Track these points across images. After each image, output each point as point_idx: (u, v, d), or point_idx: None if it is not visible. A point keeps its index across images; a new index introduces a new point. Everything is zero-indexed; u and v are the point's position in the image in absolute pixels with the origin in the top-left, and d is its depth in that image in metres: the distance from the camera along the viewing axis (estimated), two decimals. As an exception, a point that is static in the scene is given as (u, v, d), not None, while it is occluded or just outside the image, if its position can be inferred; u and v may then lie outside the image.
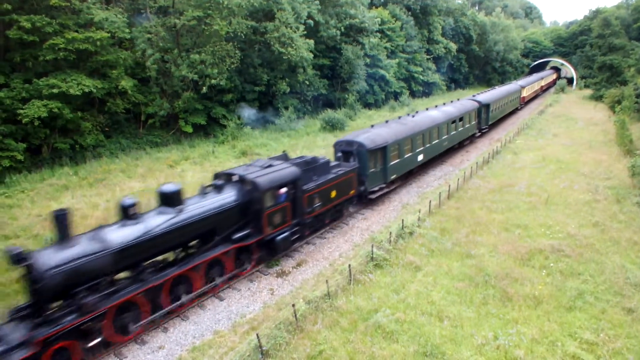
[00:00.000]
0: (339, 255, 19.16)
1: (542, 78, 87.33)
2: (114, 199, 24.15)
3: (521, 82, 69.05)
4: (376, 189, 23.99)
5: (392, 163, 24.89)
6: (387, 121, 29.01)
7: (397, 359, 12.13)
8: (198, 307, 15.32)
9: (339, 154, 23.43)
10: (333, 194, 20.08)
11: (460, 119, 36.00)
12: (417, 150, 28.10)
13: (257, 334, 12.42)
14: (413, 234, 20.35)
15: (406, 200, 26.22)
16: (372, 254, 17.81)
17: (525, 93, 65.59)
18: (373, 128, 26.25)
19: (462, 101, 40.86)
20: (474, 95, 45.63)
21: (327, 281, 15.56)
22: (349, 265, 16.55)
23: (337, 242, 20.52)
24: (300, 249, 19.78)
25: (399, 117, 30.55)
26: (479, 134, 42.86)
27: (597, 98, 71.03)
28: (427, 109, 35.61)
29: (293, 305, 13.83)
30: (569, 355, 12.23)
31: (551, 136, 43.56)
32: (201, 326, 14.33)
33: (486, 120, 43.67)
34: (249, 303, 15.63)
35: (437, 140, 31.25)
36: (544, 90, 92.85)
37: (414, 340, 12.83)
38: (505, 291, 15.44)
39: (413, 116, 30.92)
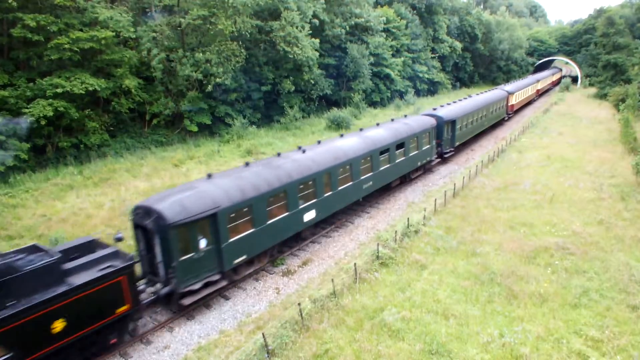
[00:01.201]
0: (344, 254, 19.20)
1: (537, 80, 75.40)
2: (119, 198, 24.27)
3: (509, 86, 57.51)
4: (198, 285, 14.51)
5: (235, 238, 15.48)
6: (247, 163, 18.19)
7: (403, 357, 12.15)
8: (203, 307, 15.38)
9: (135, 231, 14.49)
10: (58, 325, 11.08)
11: (400, 145, 25.76)
12: (302, 207, 18.40)
13: (263, 333, 12.46)
14: (418, 233, 20.37)
15: (412, 199, 26.23)
16: (378, 252, 17.82)
17: (514, 100, 54.67)
18: (208, 180, 16.11)
19: (412, 118, 29.63)
20: (434, 109, 34.90)
21: (332, 280, 15.59)
22: (355, 264, 16.58)
23: (343, 241, 20.56)
24: (305, 247, 19.85)
25: (278, 154, 19.77)
26: (438, 160, 32.36)
27: (602, 96, 70.94)
28: (341, 136, 24.00)
29: (299, 304, 13.86)
30: (574, 352, 12.23)
31: (556, 134, 43.45)
32: (207, 325, 14.40)
33: (451, 141, 33.87)
34: (255, 302, 15.68)
35: (349, 184, 21.24)
36: (541, 94, 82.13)
37: (419, 339, 12.85)
38: (510, 289, 15.44)
39: (304, 151, 20.21)
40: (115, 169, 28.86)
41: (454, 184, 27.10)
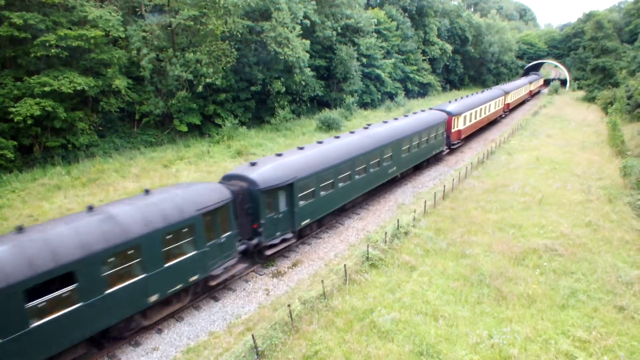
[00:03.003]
0: (334, 255, 19.17)
1: (506, 93, 57.28)
2: (107, 199, 24.04)
3: (454, 105, 38.62)
4: None
5: None
6: None
7: (393, 358, 12.15)
8: (193, 308, 15.28)
9: None
10: None
11: (122, 262, 12.10)
12: None
13: (252, 335, 12.39)
14: (408, 234, 20.40)
15: (401, 201, 26.29)
16: (368, 253, 17.81)
17: (461, 124, 38.12)
18: None
19: (166, 195, 14.10)
20: (253, 163, 18.27)
21: (322, 281, 15.54)
22: (345, 265, 16.55)
23: (333, 242, 20.53)
24: (295, 248, 19.80)
25: None
26: (246, 268, 17.30)
27: (590, 99, 71.84)
28: None
29: (289, 306, 13.81)
30: (562, 353, 12.31)
31: (545, 137, 43.82)
32: (196, 327, 14.28)
33: (290, 222, 18.39)
34: (244, 303, 15.60)
35: None
36: (512, 109, 65.08)
37: (409, 340, 12.86)
38: (499, 290, 15.52)
39: None
40: (104, 169, 28.58)
41: (444, 186, 27.20)
